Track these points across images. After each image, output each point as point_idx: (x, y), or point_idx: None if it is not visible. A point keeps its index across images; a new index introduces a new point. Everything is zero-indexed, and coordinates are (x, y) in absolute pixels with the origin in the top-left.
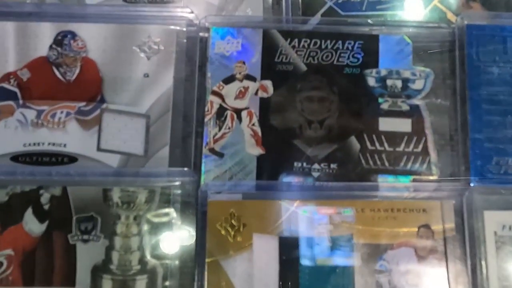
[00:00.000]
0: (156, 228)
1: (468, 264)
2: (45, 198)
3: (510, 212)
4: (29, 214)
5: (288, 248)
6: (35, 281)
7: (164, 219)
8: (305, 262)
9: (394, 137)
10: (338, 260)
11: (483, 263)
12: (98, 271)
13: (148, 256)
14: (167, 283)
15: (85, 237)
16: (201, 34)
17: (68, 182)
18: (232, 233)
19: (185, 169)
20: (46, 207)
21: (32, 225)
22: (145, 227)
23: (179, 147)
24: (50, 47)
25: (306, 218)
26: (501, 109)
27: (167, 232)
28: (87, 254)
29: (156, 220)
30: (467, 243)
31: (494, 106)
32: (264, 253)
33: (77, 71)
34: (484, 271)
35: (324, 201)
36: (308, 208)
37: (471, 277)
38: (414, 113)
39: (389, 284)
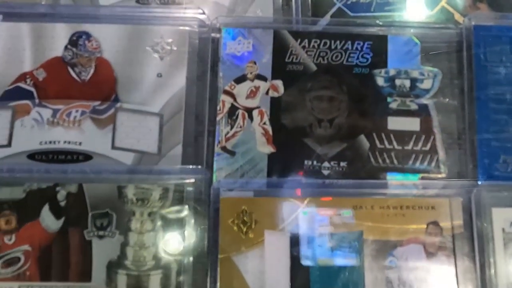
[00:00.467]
0: (169, 224)
1: (476, 260)
2: (61, 195)
3: None
4: (46, 211)
5: (298, 245)
6: (52, 276)
7: (178, 215)
8: (315, 258)
9: (402, 136)
10: (348, 256)
11: (491, 259)
12: (113, 267)
13: (162, 252)
14: (180, 279)
15: (101, 233)
16: (212, 34)
17: (83, 180)
18: (244, 229)
19: (198, 167)
20: (63, 203)
21: (49, 221)
22: (159, 224)
23: (192, 146)
24: (65, 47)
25: (314, 216)
26: (508, 108)
27: (180, 228)
28: (103, 250)
29: (169, 216)
30: (475, 240)
31: (501, 105)
32: (275, 249)
33: (92, 71)
34: (492, 267)
35: (334, 199)
36: (310, 210)
37: (479, 273)
38: (422, 112)
39: (399, 280)
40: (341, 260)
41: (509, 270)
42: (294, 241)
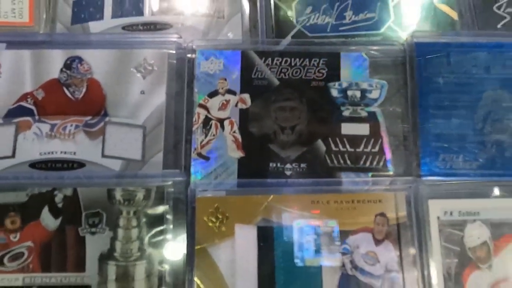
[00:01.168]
0: (152, 221)
1: (416, 245)
2: (59, 198)
3: (451, 200)
4: (45, 212)
5: (265, 236)
6: (51, 268)
7: (159, 213)
8: (279, 246)
9: (354, 140)
10: (308, 244)
11: (428, 243)
12: (104, 259)
13: (146, 245)
14: (162, 267)
15: (93, 230)
16: (188, 55)
17: (78, 184)
18: (217, 224)
19: (177, 171)
20: (60, 205)
21: (48, 221)
22: (143, 221)
23: (171, 152)
24: (61, 70)
25: (280, 210)
26: (446, 113)
27: (161, 224)
28: (95, 244)
29: (152, 214)
30: (414, 226)
31: (440, 111)
32: (244, 240)
33: (84, 90)
34: (430, 250)
35: (295, 195)
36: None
37: (418, 255)
38: (371, 118)
39: (351, 264)
40: (301, 247)
41: (443, 251)
42: (261, 233)
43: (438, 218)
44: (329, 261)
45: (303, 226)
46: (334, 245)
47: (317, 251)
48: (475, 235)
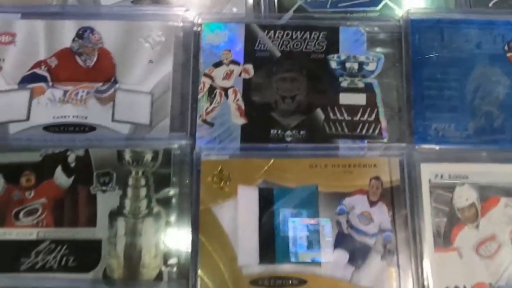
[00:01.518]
0: (159, 181)
1: (408, 206)
2: (71, 158)
3: (442, 164)
4: (58, 171)
5: (265, 196)
6: (64, 223)
7: (166, 174)
8: (278, 206)
9: (351, 109)
10: (306, 204)
11: (420, 204)
12: (114, 215)
13: (154, 203)
14: (168, 223)
15: (104, 188)
16: (194, 28)
17: (89, 146)
18: (221, 185)
19: (183, 133)
20: (72, 165)
21: (61, 179)
22: (151, 180)
23: (178, 119)
24: (73, 40)
25: (280, 173)
26: (439, 85)
27: (168, 184)
28: (105, 202)
29: (159, 175)
30: (407, 189)
31: (433, 83)
32: (246, 201)
33: (95, 58)
34: (421, 210)
35: (295, 160)
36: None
37: (410, 215)
38: (368, 89)
39: (347, 223)
40: (300, 206)
41: (433, 212)
42: (262, 194)
43: (430, 180)
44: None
45: (301, 187)
46: (332, 206)
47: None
48: (464, 196)
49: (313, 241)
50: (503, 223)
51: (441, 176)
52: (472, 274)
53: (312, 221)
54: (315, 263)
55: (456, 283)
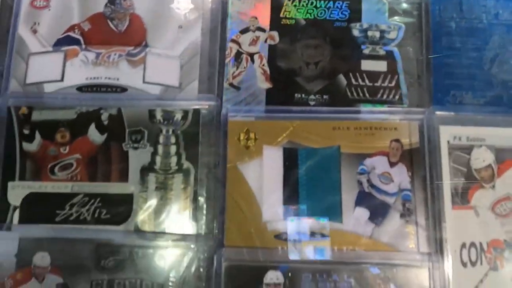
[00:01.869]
0: (189, 139)
1: (427, 165)
2: (104, 116)
3: (460, 127)
4: (92, 128)
5: (290, 156)
6: (97, 178)
7: (195, 132)
8: (302, 166)
9: (373, 75)
10: (329, 164)
11: (439, 164)
12: (145, 170)
13: (183, 160)
14: (197, 180)
15: (135, 145)
16: None
17: (122, 105)
18: (247, 144)
19: (211, 95)
20: (105, 123)
21: (95, 136)
22: (180, 138)
23: (206, 83)
24: (105, 5)
25: (304, 134)
26: (456, 54)
27: (197, 143)
28: (137, 158)
29: (189, 133)
30: (426, 150)
31: (451, 51)
32: (271, 160)
33: (127, 23)
34: (439, 170)
35: (318, 122)
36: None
37: (429, 175)
38: (389, 56)
39: (368, 182)
40: (322, 166)
41: (451, 171)
42: (286, 154)
43: (448, 142)
44: (347, 179)
45: (324, 148)
46: (353, 166)
47: (338, 168)
48: (481, 158)
49: (336, 199)
50: None
51: (459, 138)
52: (487, 231)
53: (335, 180)
54: (338, 219)
55: (473, 240)
